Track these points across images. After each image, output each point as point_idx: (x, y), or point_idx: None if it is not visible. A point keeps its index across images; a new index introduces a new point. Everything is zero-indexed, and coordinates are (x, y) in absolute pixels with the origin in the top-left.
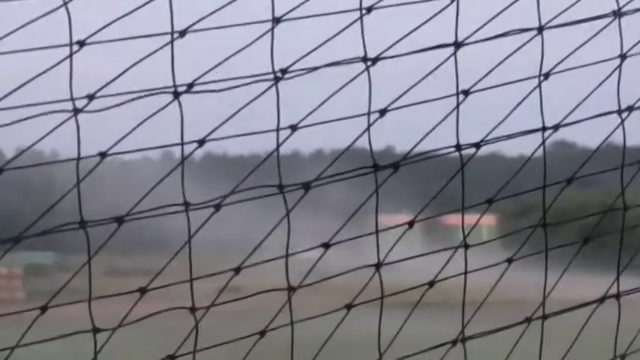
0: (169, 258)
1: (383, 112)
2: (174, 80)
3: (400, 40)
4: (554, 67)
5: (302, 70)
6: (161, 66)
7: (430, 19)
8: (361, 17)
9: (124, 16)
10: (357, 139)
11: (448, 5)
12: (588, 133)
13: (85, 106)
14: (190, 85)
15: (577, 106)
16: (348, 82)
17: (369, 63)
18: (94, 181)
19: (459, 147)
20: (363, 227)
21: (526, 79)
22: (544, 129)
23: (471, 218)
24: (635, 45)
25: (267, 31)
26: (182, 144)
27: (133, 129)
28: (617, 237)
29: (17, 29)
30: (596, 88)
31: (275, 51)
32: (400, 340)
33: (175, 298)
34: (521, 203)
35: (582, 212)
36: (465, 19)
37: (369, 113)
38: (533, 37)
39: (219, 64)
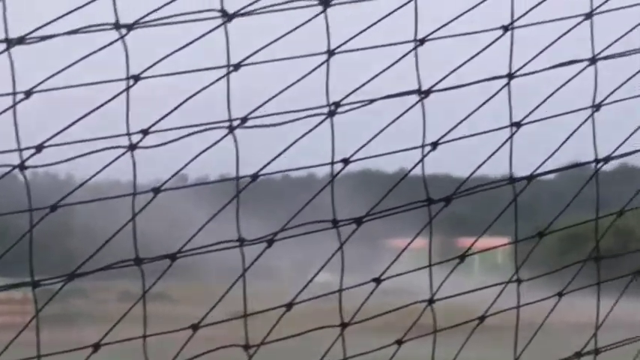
0: (184, 282)
1: (435, 145)
2: (229, 114)
3: (453, 71)
4: (606, 98)
5: (356, 102)
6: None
7: (483, 50)
8: (415, 48)
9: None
10: (410, 170)
11: (501, 36)
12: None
13: (139, 141)
14: (244, 120)
15: (631, 135)
16: (401, 115)
17: (422, 95)
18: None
19: (512, 179)
20: (378, 250)
21: (578, 110)
22: (597, 161)
23: (485, 242)
24: None
25: (322, 63)
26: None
27: (186, 164)
28: None
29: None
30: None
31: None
32: None
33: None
34: (535, 226)
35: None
36: (518, 48)
37: (422, 146)
38: (586, 67)
39: (274, 96)
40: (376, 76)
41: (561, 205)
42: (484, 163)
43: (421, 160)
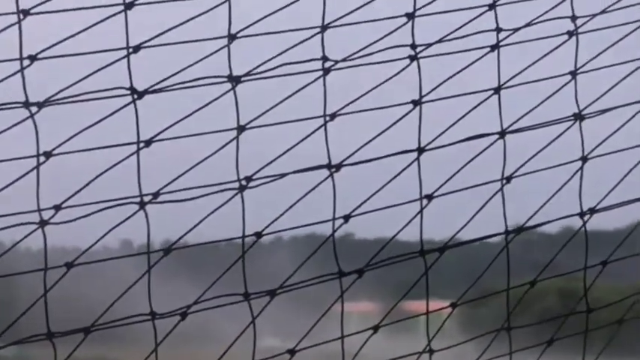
0: (127, 347)
1: (347, 219)
2: (140, 190)
3: (364, 145)
4: (514, 172)
5: (267, 177)
6: None
7: (393, 124)
8: (325, 124)
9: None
10: (317, 249)
11: (411, 110)
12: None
13: (51, 217)
14: (156, 195)
15: (542, 206)
16: (312, 189)
17: (332, 170)
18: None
19: (422, 252)
20: (326, 315)
21: (491, 181)
22: (507, 232)
23: (431, 305)
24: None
25: (233, 139)
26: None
27: (93, 244)
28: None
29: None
30: None
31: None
32: None
33: None
34: (479, 290)
35: (542, 298)
36: (428, 122)
37: (333, 219)
38: (496, 140)
39: (182, 173)
40: (290, 149)
41: (510, 268)
42: (392, 238)
43: (332, 235)
